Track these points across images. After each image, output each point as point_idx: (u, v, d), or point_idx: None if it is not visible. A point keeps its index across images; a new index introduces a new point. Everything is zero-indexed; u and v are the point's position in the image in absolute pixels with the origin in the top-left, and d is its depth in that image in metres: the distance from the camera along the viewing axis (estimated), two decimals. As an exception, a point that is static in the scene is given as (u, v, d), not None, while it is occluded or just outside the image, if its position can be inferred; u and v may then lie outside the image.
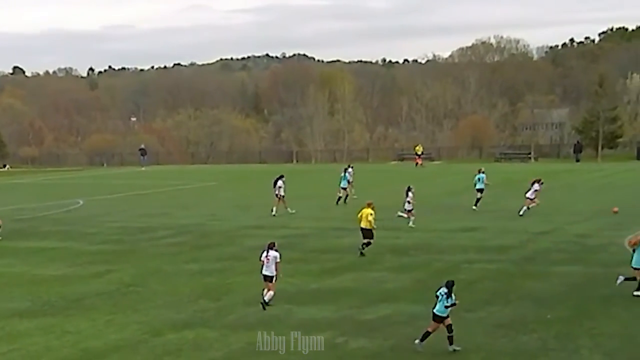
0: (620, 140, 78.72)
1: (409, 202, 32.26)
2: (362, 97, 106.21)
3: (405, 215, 32.19)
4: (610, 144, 77.40)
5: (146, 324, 18.34)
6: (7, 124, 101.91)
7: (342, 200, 39.86)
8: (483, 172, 37.85)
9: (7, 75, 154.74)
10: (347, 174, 40.56)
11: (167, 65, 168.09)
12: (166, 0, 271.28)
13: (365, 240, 25.83)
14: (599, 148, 75.26)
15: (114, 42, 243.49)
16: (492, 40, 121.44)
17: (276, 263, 19.49)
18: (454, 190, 46.52)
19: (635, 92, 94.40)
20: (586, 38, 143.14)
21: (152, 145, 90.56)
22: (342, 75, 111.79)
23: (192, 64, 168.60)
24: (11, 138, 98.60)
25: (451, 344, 15.65)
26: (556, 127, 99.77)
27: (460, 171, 58.13)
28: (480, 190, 37.22)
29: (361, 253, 25.67)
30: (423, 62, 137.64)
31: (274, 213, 36.39)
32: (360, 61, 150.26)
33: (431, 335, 15.71)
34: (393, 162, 76.37)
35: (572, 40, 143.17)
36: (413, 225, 31.68)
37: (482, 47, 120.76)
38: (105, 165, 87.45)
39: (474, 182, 37.86)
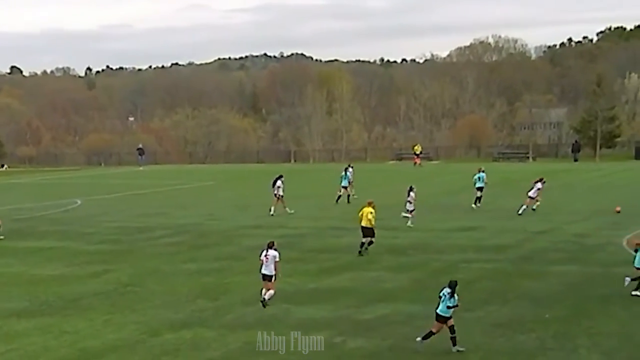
0: (618, 139, 78.75)
1: (410, 202, 32.25)
2: (360, 96, 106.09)
3: (410, 215, 32.20)
4: (609, 144, 77.42)
5: (144, 324, 18.32)
6: (4, 123, 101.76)
7: (342, 198, 39.87)
8: (483, 171, 37.97)
9: (4, 75, 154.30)
10: (347, 173, 40.63)
11: (165, 65, 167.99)
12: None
13: (367, 239, 25.87)
14: (597, 148, 75.28)
15: (112, 41, 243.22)
16: (490, 40, 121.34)
17: (275, 262, 19.50)
18: (452, 189, 46.55)
19: (633, 91, 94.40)
20: (584, 37, 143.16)
21: (150, 145, 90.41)
22: (340, 74, 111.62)
23: (190, 64, 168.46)
24: (9, 138, 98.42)
25: (455, 344, 15.65)
26: (554, 127, 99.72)
27: (458, 171, 58.16)
28: (480, 189, 37.34)
29: (360, 253, 25.70)
30: (421, 61, 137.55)
31: (272, 212, 36.38)
32: (358, 61, 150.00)
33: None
34: (391, 162, 76.34)
35: (570, 39, 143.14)
36: (411, 225, 31.69)
37: (480, 47, 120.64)
38: (102, 165, 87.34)
39: (473, 180, 37.96)
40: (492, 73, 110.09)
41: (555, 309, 18.63)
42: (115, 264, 25.81)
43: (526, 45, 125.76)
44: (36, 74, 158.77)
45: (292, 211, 36.75)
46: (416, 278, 22.56)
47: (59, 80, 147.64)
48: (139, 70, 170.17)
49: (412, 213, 32.15)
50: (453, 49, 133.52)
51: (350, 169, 41.24)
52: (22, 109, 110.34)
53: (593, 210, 36.10)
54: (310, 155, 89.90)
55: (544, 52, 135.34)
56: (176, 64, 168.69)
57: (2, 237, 31.87)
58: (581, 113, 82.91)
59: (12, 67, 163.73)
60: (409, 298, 20.06)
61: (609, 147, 77.52)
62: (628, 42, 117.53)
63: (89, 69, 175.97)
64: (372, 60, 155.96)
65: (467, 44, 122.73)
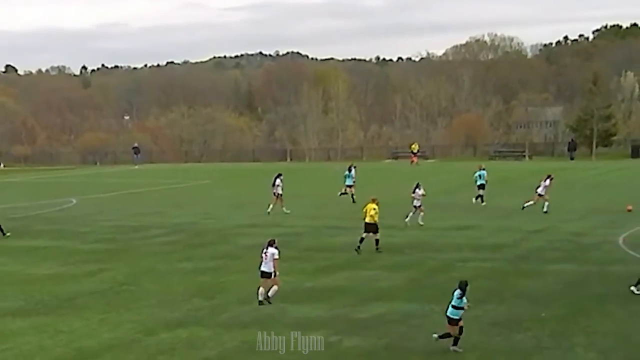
0: (614, 138, 78.91)
1: (416, 199, 32.16)
2: (356, 95, 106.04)
3: (422, 214, 32.10)
4: (605, 142, 77.57)
5: (139, 323, 18.26)
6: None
7: (346, 197, 39.94)
8: (484, 169, 38.14)
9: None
10: (352, 172, 40.72)
11: (161, 64, 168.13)
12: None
13: (369, 235, 25.99)
14: (593, 146, 75.42)
15: (107, 40, 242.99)
16: (486, 38, 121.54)
17: (274, 260, 19.47)
18: (448, 188, 46.52)
19: (629, 90, 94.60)
20: (580, 36, 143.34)
21: (146, 144, 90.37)
22: (336, 73, 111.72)
23: (185, 62, 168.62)
24: (4, 137, 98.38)
25: (455, 344, 15.57)
26: (550, 125, 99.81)
27: (454, 169, 58.18)
28: (482, 187, 37.41)
29: (357, 250, 25.87)
30: (417, 60, 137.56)
31: (269, 211, 36.31)
32: (354, 59, 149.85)
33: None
34: (387, 161, 76.38)
35: (566, 38, 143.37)
36: (408, 224, 31.65)
37: (476, 45, 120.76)
38: (98, 163, 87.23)
39: (474, 178, 38.06)
40: (488, 71, 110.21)
41: (551, 308, 18.60)
42: (111, 263, 25.74)
43: (522, 43, 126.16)
44: (31, 72, 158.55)
45: (289, 211, 36.67)
46: (412, 277, 22.52)
47: (54, 79, 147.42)
48: (135, 68, 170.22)
49: (421, 208, 32.09)
50: (449, 47, 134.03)
51: (354, 169, 41.31)
52: (17, 107, 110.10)
53: (589, 208, 36.11)
54: (306, 154, 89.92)
55: (540, 50, 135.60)
56: (172, 62, 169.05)
57: (8, 233, 31.99)
58: (577, 111, 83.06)
59: (7, 66, 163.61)
60: (405, 297, 20.02)
61: (605, 146, 77.67)
62: (624, 40, 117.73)
63: (84, 67, 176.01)
64: (368, 59, 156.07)
65: (463, 42, 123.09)
